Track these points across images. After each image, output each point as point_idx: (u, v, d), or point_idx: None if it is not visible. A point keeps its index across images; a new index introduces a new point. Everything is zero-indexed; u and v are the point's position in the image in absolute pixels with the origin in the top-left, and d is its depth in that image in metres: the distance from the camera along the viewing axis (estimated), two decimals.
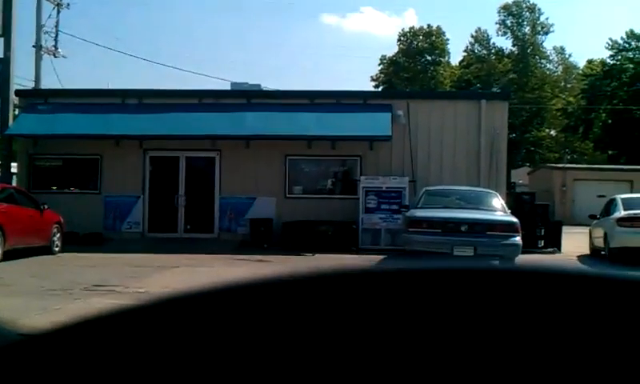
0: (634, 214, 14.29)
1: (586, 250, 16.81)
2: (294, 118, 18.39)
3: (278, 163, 18.89)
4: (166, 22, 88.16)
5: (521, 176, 39.90)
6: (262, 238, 17.29)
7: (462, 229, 12.38)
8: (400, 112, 18.70)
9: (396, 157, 18.66)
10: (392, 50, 63.87)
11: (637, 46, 50.09)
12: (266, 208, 18.47)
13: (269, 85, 30.41)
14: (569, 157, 46.77)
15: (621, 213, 14.62)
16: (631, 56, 49.95)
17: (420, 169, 18.48)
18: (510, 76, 53.42)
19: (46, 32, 24.14)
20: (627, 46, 50.54)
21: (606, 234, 14.87)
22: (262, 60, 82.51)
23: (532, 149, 53.11)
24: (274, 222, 17.85)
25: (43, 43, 23.85)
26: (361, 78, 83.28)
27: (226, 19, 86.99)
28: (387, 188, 17.63)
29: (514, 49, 57.22)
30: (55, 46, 24.55)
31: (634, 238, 13.91)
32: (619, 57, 50.54)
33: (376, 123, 18.31)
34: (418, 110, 18.93)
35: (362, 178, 18.08)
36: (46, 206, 15.28)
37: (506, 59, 56.10)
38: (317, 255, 15.23)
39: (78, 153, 19.04)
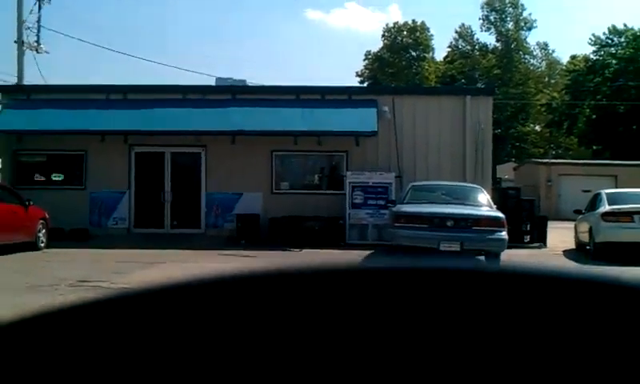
0: (619, 208, 14.40)
1: (572, 245, 16.94)
2: (280, 114, 18.37)
3: (264, 159, 18.86)
4: (149, 17, 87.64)
5: (506, 171, 40.08)
6: (249, 233, 17.26)
7: (448, 224, 12.42)
8: (385, 107, 18.73)
9: (382, 152, 18.70)
10: (377, 45, 63.95)
11: (619, 42, 50.49)
12: (252, 204, 18.45)
13: (254, 80, 30.35)
14: (554, 152, 47.08)
15: (605, 207, 14.72)
16: (614, 52, 50.34)
17: (406, 164, 18.53)
18: (494, 71, 53.69)
19: (28, 27, 23.93)
20: (610, 41, 50.93)
21: (591, 229, 14.98)
22: (247, 56, 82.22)
23: (517, 144, 53.43)
24: (260, 218, 17.83)
25: (25, 39, 23.63)
26: (346, 73, 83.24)
27: (210, 15, 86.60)
28: (374, 183, 17.66)
29: (497, 44, 57.50)
30: (37, 42, 24.32)
31: (618, 233, 14.02)
32: (602, 52, 50.91)
33: (362, 119, 18.34)
34: (403, 106, 18.97)
35: (349, 173, 18.09)
36: (30, 202, 15.16)
37: (490, 55, 56.38)
38: (304, 250, 15.23)
39: (62, 148, 18.89)
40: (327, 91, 19.62)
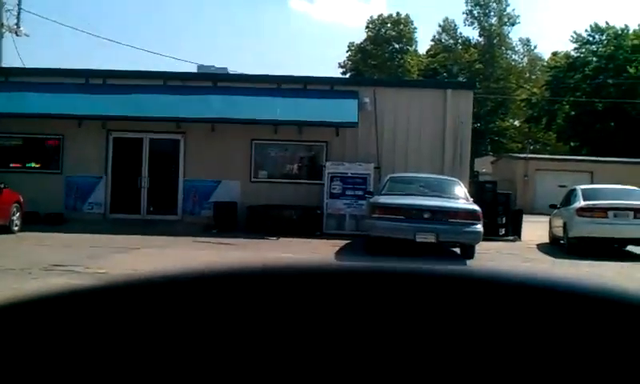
0: (594, 204, 14.57)
1: (546, 239, 17.12)
2: (261, 103, 18.31)
3: (243, 147, 18.81)
4: (132, 3, 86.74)
5: (484, 165, 40.37)
6: (226, 221, 17.22)
7: (425, 216, 12.48)
8: (366, 99, 18.76)
9: (362, 143, 18.73)
10: (360, 37, 63.93)
11: (600, 40, 50.94)
12: (230, 191, 18.41)
13: (236, 69, 30.19)
14: (532, 147, 47.49)
15: (580, 203, 14.88)
16: (595, 49, 50.80)
17: (385, 156, 18.58)
18: (476, 66, 53.95)
19: (8, 10, 23.56)
20: (591, 39, 51.37)
21: (565, 224, 15.14)
22: (229, 44, 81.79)
23: (496, 138, 53.80)
24: (238, 206, 17.80)
25: (5, 21, 23.27)
26: (328, 64, 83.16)
27: (193, 2, 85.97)
28: (352, 174, 17.70)
29: (480, 39, 57.78)
30: (17, 24, 23.96)
31: (592, 228, 14.19)
32: (583, 50, 51.35)
33: (343, 109, 18.34)
34: (384, 98, 19.00)
35: (328, 163, 18.10)
36: (4, 185, 15.00)
37: (472, 49, 56.63)
38: (281, 239, 15.23)
39: (39, 132, 18.69)
40: (309, 81, 19.59)
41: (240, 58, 74.48)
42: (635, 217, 14.18)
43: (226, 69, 22.54)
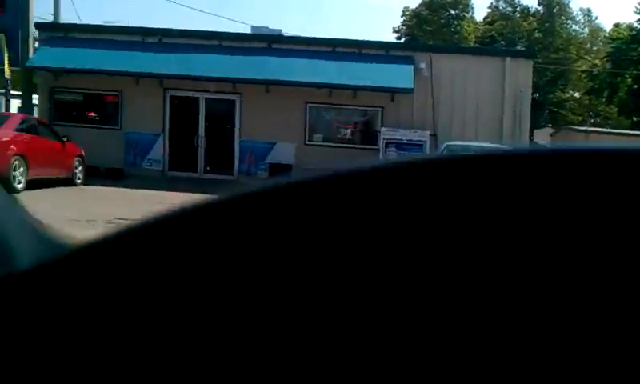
0: None
1: None
2: (316, 66, 18.23)
3: (298, 110, 18.81)
4: None
5: (544, 137, 39.42)
6: None
7: None
8: (422, 65, 18.49)
9: (417, 110, 18.52)
10: (415, 2, 62.83)
11: None
12: (285, 153, 18.48)
13: (289, 31, 30.02)
14: (592, 120, 46.25)
15: None
16: None
17: (442, 124, 18.35)
18: (535, 35, 52.55)
19: None
20: None
21: None
22: (284, 5, 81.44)
23: (555, 110, 52.47)
24: (293, 168, 17.88)
25: None
26: (383, 29, 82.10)
27: None
28: (407, 141, 17.55)
29: (539, 8, 56.13)
30: None
31: None
32: None
33: (398, 75, 18.14)
34: (440, 64, 18.70)
35: (383, 129, 17.98)
36: (67, 139, 15.38)
37: (531, 18, 55.11)
38: None
39: (98, 88, 19.03)
40: (364, 45, 19.39)
41: (294, 20, 74.23)
42: None
43: (280, 31, 22.42)
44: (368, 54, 18.95)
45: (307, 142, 18.84)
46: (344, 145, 18.81)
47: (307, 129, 18.95)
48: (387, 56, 19.01)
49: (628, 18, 67.73)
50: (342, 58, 18.56)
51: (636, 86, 48.10)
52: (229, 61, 18.45)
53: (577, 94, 55.38)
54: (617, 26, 53.15)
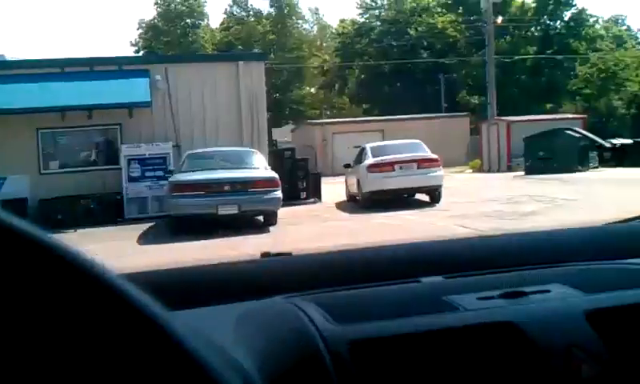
0: (381, 160, 15.65)
1: (344, 197, 18.08)
2: (45, 89, 17.18)
3: (29, 138, 17.57)
4: None
5: (285, 134, 41.40)
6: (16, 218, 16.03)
7: (226, 188, 12.63)
8: (158, 77, 18.34)
9: (158, 123, 18.33)
10: (150, 13, 62.01)
11: (382, 5, 54.12)
12: (18, 187, 17.12)
13: (15, 55, 28.04)
14: (328, 112, 49.45)
15: (370, 160, 15.92)
16: (378, 14, 53.91)
17: (183, 133, 18.37)
18: (269, 37, 54.76)
19: None
20: (374, 4, 54.40)
21: (358, 181, 16.11)
22: (5, 28, 75.29)
23: (295, 107, 55.27)
24: (29, 201, 16.65)
25: None
26: (121, 43, 79.68)
27: None
28: (150, 155, 17.30)
29: (271, 10, 58.68)
30: None
31: (382, 182, 15.28)
32: (367, 15, 54.25)
33: (133, 90, 17.80)
34: (177, 74, 18.71)
35: (124, 146, 17.51)
36: None
37: (264, 20, 57.35)
38: (79, 231, 14.54)
39: None
40: (95, 62, 18.74)
41: (18, 44, 68.82)
42: (418, 168, 15.46)
43: (3, 56, 20.89)
44: (101, 71, 18.32)
45: (43, 172, 17.69)
46: (86, 168, 17.98)
47: (41, 157, 17.79)
48: (121, 71, 18.51)
49: (352, 13, 73.39)
50: (73, 79, 17.73)
51: (363, 76, 52.57)
52: None
53: (312, 90, 58.95)
54: (342, 21, 57.53)
